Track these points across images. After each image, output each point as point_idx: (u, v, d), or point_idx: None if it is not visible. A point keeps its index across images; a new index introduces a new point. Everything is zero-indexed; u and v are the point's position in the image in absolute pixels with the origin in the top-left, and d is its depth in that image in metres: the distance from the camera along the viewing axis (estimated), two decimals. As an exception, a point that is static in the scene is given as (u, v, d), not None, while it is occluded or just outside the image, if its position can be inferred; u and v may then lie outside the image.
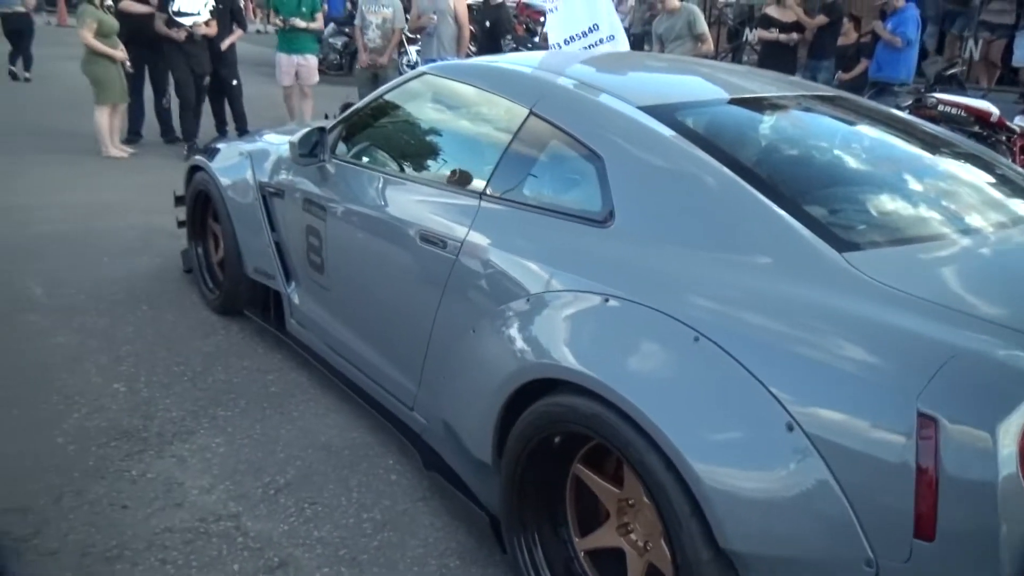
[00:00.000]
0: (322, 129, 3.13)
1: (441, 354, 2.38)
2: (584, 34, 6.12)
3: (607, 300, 1.89)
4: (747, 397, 1.58)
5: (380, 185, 2.81)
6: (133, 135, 7.54)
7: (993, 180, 2.41)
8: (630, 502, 1.92)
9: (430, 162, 2.82)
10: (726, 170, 1.97)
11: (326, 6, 13.76)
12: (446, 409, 2.34)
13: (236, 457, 2.67)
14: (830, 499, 1.47)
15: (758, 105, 2.60)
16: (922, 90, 7.24)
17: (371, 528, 2.36)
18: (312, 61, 7.79)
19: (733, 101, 2.56)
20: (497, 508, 2.17)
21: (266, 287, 3.56)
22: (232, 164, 3.72)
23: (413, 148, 2.98)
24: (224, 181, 3.67)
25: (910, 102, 6.59)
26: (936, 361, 1.43)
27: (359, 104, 3.25)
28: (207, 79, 7.29)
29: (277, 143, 3.58)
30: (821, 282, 1.71)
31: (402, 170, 2.85)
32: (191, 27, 7.01)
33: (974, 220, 2.06)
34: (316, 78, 7.92)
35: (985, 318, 1.56)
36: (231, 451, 2.70)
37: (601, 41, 6.09)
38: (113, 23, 7.01)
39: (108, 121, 7.04)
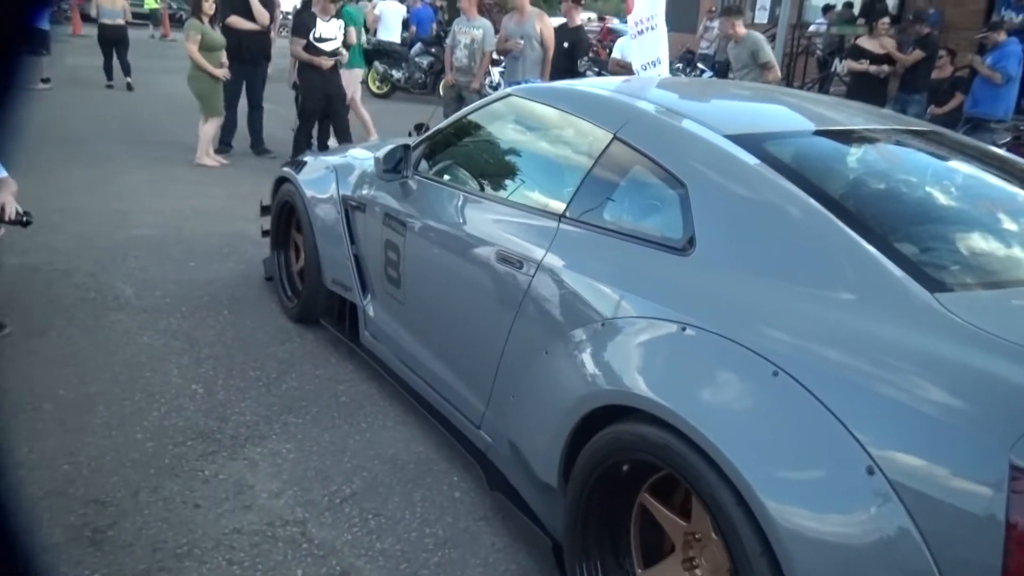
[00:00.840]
0: (407, 146, 3.19)
1: (512, 374, 2.38)
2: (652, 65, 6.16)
3: (684, 329, 1.86)
4: (826, 436, 1.53)
5: (460, 203, 2.85)
6: (224, 146, 7.82)
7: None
8: (697, 536, 1.87)
9: (511, 182, 2.84)
10: (813, 202, 1.93)
11: (414, 27, 14.11)
12: (514, 429, 2.34)
13: (305, 464, 2.72)
14: (911, 549, 1.40)
15: (847, 137, 2.53)
16: (1021, 127, 6.93)
17: (432, 544, 2.37)
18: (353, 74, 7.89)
19: (821, 132, 2.50)
20: (560, 533, 2.15)
21: (342, 298, 3.63)
22: (317, 177, 3.82)
23: (494, 168, 3.01)
24: (309, 193, 3.77)
25: (1008, 139, 6.33)
26: (1034, 411, 1.36)
27: (444, 123, 3.31)
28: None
29: (362, 158, 3.67)
30: (910, 322, 1.64)
31: (482, 189, 2.88)
32: (333, 53, 7.18)
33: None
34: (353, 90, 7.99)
35: (1087, 369, 1.47)
36: (300, 458, 2.75)
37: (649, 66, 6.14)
38: (218, 38, 7.32)
39: (212, 133, 7.34)
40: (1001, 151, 3.43)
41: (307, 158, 4.16)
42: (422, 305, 2.98)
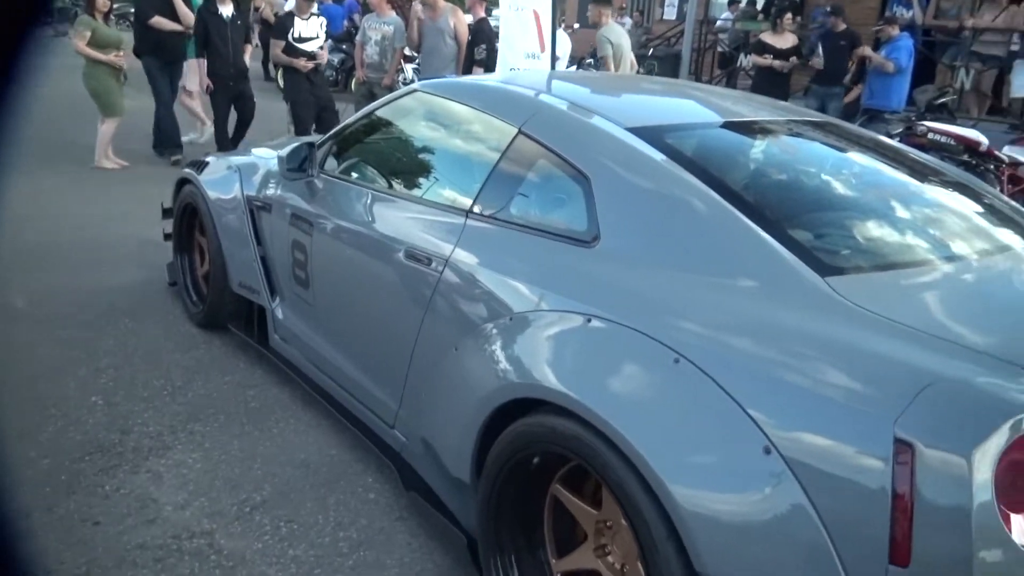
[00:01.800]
0: (311, 144, 3.13)
1: (423, 372, 2.36)
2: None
3: (589, 320, 1.87)
4: (725, 419, 1.57)
5: (367, 201, 2.80)
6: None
7: (978, 209, 2.41)
8: (608, 524, 1.90)
9: (418, 179, 2.82)
10: (712, 192, 1.97)
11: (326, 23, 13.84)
12: (426, 427, 2.32)
13: (213, 473, 2.64)
14: (806, 524, 1.45)
15: (747, 129, 2.60)
16: (913, 118, 7.27)
17: (347, 547, 2.33)
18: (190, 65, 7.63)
19: (722, 124, 2.57)
20: (475, 529, 2.14)
21: (250, 302, 3.54)
22: (220, 177, 3.71)
23: (401, 165, 2.98)
24: (212, 194, 3.66)
25: (901, 129, 6.63)
26: (914, 387, 1.42)
27: (349, 120, 3.26)
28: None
29: (267, 157, 3.58)
30: (802, 306, 1.70)
31: (390, 186, 2.85)
32: (314, 54, 6.95)
33: (958, 248, 2.06)
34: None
35: (966, 345, 1.54)
36: (208, 467, 2.67)
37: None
38: (110, 34, 7.01)
39: (110, 134, 7.03)
40: (893, 141, 3.60)
41: (209, 158, 4.03)
42: (331, 306, 2.93)
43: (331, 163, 3.10)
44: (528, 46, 6.03)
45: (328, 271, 2.90)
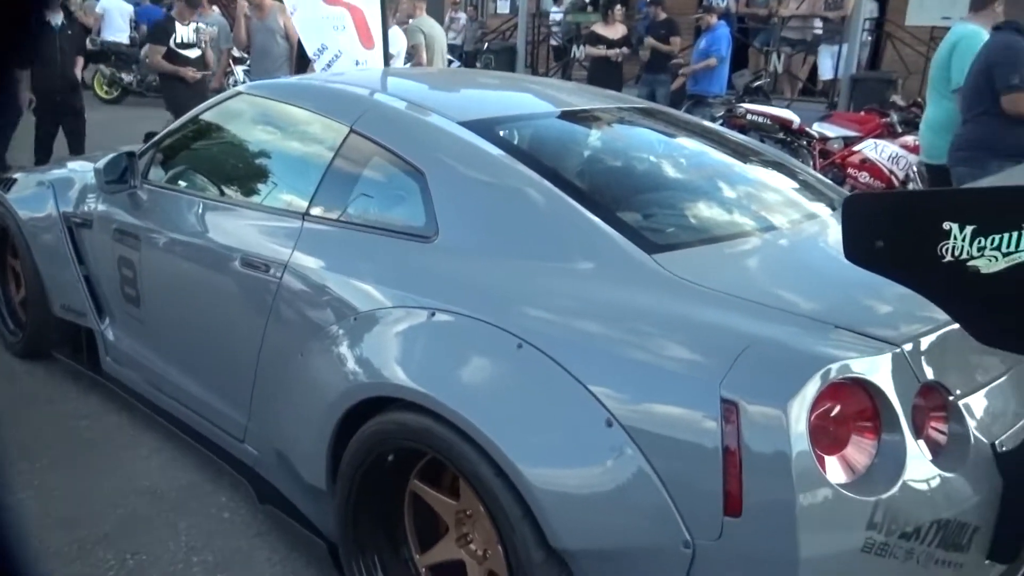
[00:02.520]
0: (131, 153, 2.95)
1: (270, 381, 2.29)
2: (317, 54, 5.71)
3: (433, 314, 1.89)
4: (568, 398, 1.62)
5: (197, 210, 2.69)
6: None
7: (789, 182, 2.60)
8: (468, 513, 1.92)
9: (249, 184, 2.73)
10: (544, 181, 2.02)
11: (143, 26, 13.07)
12: (278, 437, 2.26)
13: (45, 512, 2.44)
14: (649, 488, 1.53)
15: (577, 118, 2.69)
16: (733, 101, 7.76)
17: (202, 571, 2.23)
18: None
19: (553, 115, 2.64)
20: (335, 534, 2.11)
21: (77, 325, 3.30)
22: (31, 195, 3.43)
23: (231, 171, 2.87)
24: (23, 213, 3.38)
25: (722, 113, 7.05)
26: (736, 349, 1.52)
27: (173, 126, 3.10)
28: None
29: (82, 170, 3.34)
30: (633, 283, 1.78)
31: (221, 194, 2.74)
32: (195, 60, 6.38)
33: (771, 218, 2.22)
34: None
35: (780, 308, 1.67)
36: (40, 507, 2.47)
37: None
38: None
39: None
40: (713, 124, 3.83)
41: (17, 175, 3.72)
42: (167, 322, 2.79)
43: (156, 173, 2.94)
44: (344, 45, 5.72)
45: (160, 286, 2.76)
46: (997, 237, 1.15)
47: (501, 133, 2.29)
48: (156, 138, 3.07)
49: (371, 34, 5.61)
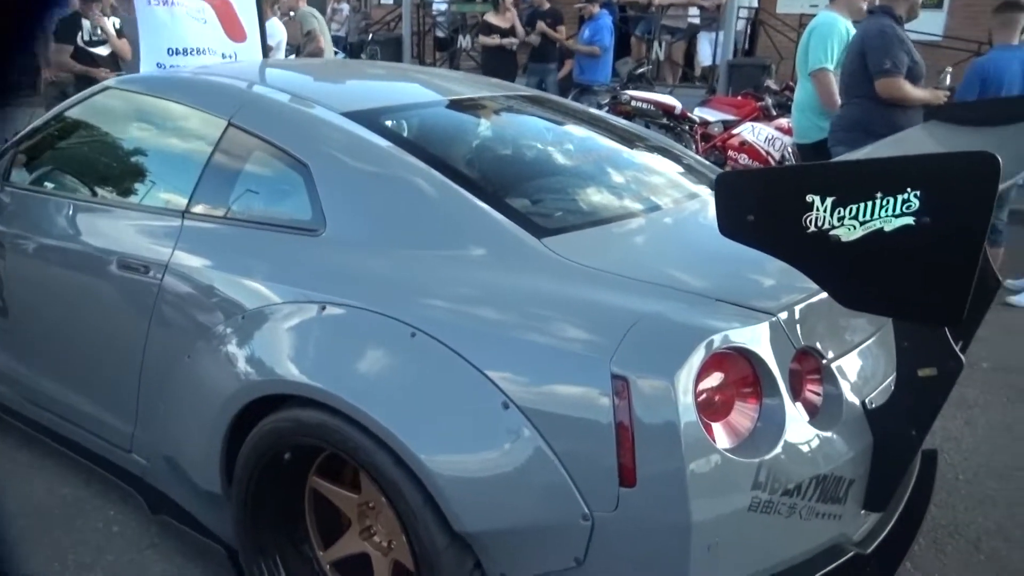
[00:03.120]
0: (-13, 155, 2.78)
1: (156, 386, 2.20)
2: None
3: (324, 308, 1.86)
4: (464, 383, 1.64)
5: (67, 212, 2.55)
6: None
7: (671, 165, 2.69)
8: (370, 505, 1.91)
9: (123, 184, 2.61)
10: (431, 170, 2.02)
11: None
12: (168, 444, 2.18)
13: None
14: (547, 466, 1.56)
15: (464, 107, 2.70)
16: (618, 88, 7.93)
17: (93, 589, 2.14)
18: None
19: (438, 104, 2.64)
20: (233, 539, 2.05)
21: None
22: None
23: (102, 169, 2.74)
24: None
25: (608, 100, 7.20)
26: (624, 326, 1.57)
27: (35, 124, 2.93)
28: None
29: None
30: (524, 268, 1.81)
31: (93, 194, 2.61)
32: (107, 58, 5.82)
33: (655, 199, 2.29)
34: None
35: (664, 283, 1.74)
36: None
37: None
38: None
39: None
40: (598, 111, 3.91)
41: None
42: (39, 332, 2.63)
43: (19, 175, 2.77)
44: (207, 40, 5.45)
45: (29, 295, 2.61)
46: (855, 207, 1.23)
47: (387, 123, 2.27)
48: (16, 137, 2.89)
49: (241, 26, 5.40)
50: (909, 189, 1.17)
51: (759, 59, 9.95)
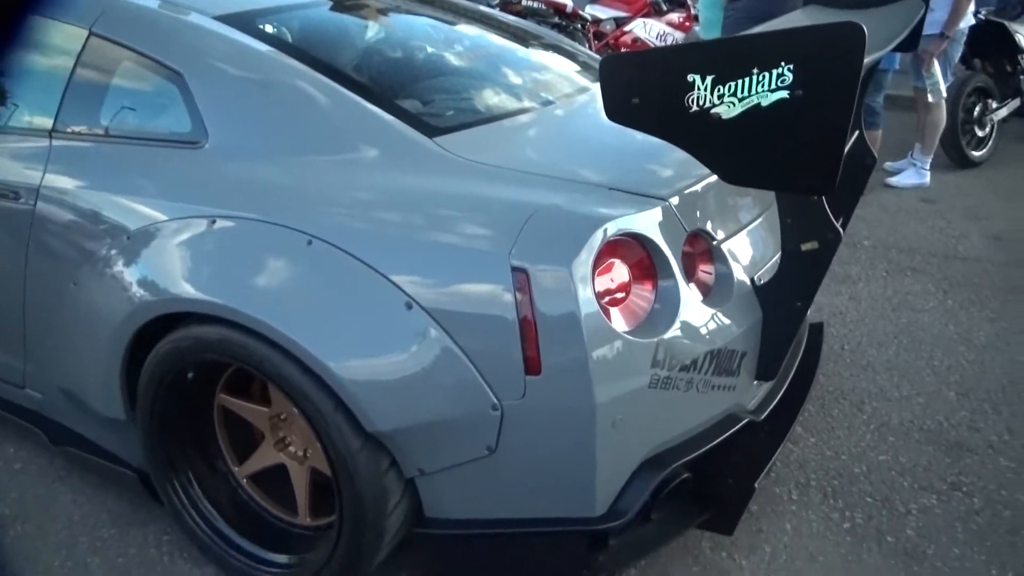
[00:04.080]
0: None
1: (42, 318, 2.11)
2: None
3: (214, 222, 1.80)
4: (366, 287, 1.63)
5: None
6: None
7: (562, 60, 2.68)
8: (281, 416, 1.91)
9: (-20, 104, 2.41)
10: (314, 73, 1.95)
11: None
12: (63, 376, 2.10)
13: None
14: (454, 363, 1.59)
15: (346, 7, 2.59)
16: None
17: (-2, 526, 2.09)
18: None
19: (320, 4, 2.52)
20: (143, 462, 2.03)
21: None
22: None
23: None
24: None
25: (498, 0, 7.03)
26: (520, 220, 1.58)
27: None
28: None
29: None
30: (418, 168, 1.79)
31: (-54, 119, 2.40)
32: None
33: (546, 94, 2.29)
34: None
35: (558, 176, 1.75)
36: None
37: None
38: None
39: None
40: (487, 9, 3.81)
41: None
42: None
43: None
44: None
45: None
46: (733, 84, 1.25)
47: (265, 26, 2.16)
48: None
49: None
50: (783, 63, 1.20)
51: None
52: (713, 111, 1.28)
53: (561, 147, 2.00)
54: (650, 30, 6.65)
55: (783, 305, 1.82)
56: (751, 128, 1.27)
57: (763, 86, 1.23)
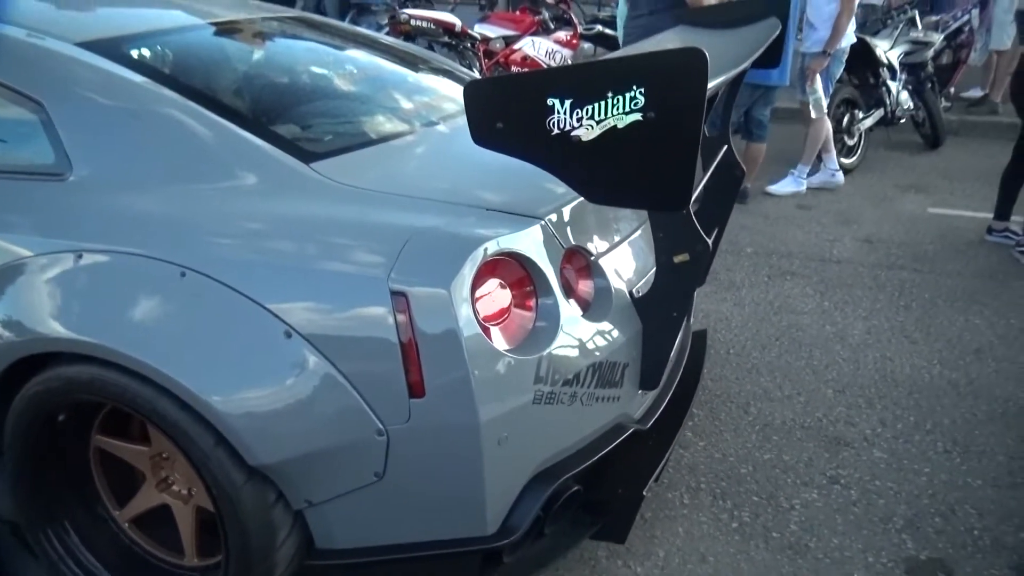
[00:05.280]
0: None
1: None
2: None
3: (80, 256, 1.73)
4: (243, 318, 1.60)
5: None
6: None
7: (441, 82, 2.69)
8: (163, 455, 1.85)
9: None
10: (184, 99, 1.90)
11: None
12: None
13: None
14: (337, 390, 1.58)
15: (221, 31, 2.53)
16: (396, 8, 7.75)
17: None
18: None
19: (192, 28, 2.46)
20: (13, 511, 1.92)
21: None
22: None
23: None
24: None
25: (387, 20, 7.02)
26: (399, 243, 1.59)
27: None
28: None
29: None
30: (293, 194, 1.77)
31: None
32: None
33: (424, 117, 2.30)
34: None
35: (435, 198, 1.76)
36: None
37: None
38: None
39: None
40: (371, 32, 3.80)
41: None
42: None
43: None
44: None
45: None
46: (590, 107, 1.30)
47: (131, 52, 2.10)
48: None
49: None
50: (635, 87, 1.25)
51: (535, -27, 10.05)
52: (573, 134, 1.33)
53: (439, 169, 2.02)
54: (539, 48, 6.78)
55: (660, 316, 1.88)
56: (609, 149, 1.32)
57: (618, 109, 1.28)
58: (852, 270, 4.09)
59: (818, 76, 5.02)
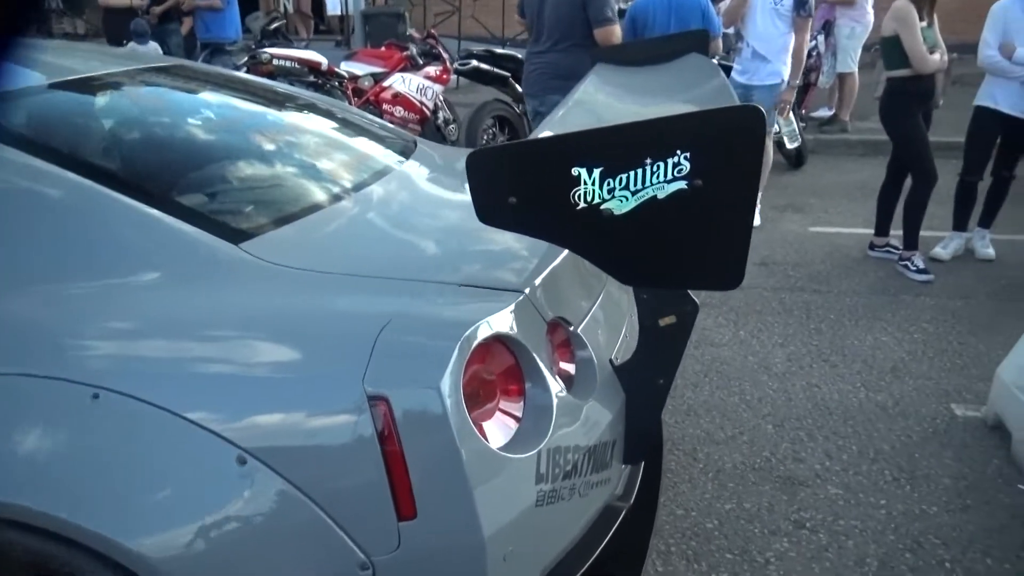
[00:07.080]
0: None
1: None
2: None
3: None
4: (180, 443, 1.30)
5: None
6: None
7: (355, 134, 2.43)
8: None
9: None
10: (63, 172, 1.56)
11: None
12: None
13: None
14: (307, 518, 1.31)
15: (85, 87, 2.17)
16: (253, 46, 7.34)
17: None
18: None
19: (52, 86, 2.09)
20: None
21: None
22: None
23: None
24: None
25: (245, 60, 6.61)
26: (369, 336, 1.34)
27: None
28: None
29: None
30: (226, 283, 1.48)
31: None
32: None
33: (355, 178, 2.02)
34: None
35: (398, 276, 1.52)
36: None
37: None
38: None
39: None
40: (244, 74, 3.48)
41: None
42: None
43: None
44: None
45: None
46: (624, 176, 1.12)
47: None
48: None
49: None
50: (678, 151, 1.09)
51: (392, 6, 9.89)
52: (604, 207, 1.14)
53: (388, 240, 1.77)
54: (409, 84, 6.57)
55: (646, 384, 1.71)
56: (648, 224, 1.14)
57: (658, 177, 1.10)
58: (757, 295, 4.12)
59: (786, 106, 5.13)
